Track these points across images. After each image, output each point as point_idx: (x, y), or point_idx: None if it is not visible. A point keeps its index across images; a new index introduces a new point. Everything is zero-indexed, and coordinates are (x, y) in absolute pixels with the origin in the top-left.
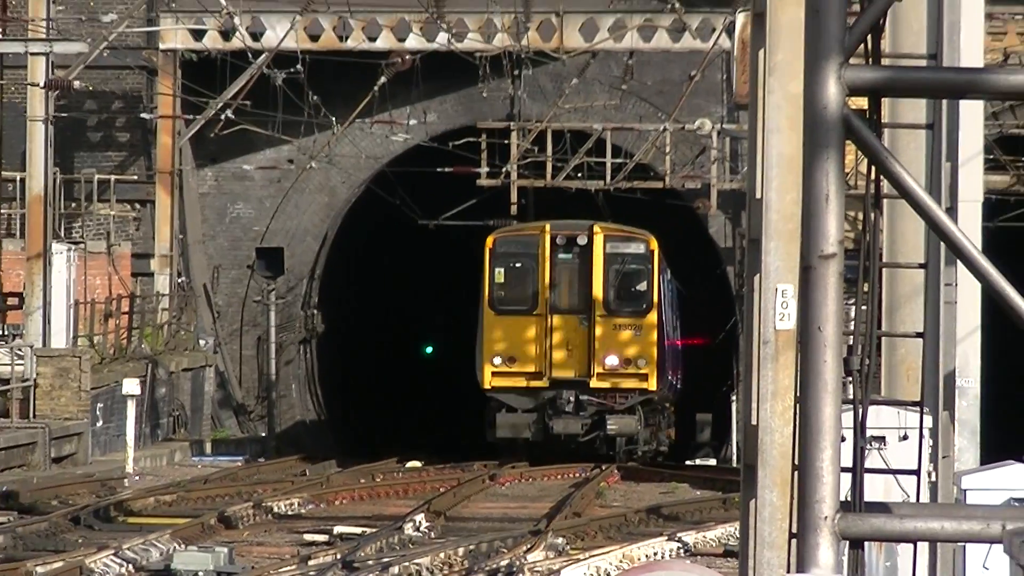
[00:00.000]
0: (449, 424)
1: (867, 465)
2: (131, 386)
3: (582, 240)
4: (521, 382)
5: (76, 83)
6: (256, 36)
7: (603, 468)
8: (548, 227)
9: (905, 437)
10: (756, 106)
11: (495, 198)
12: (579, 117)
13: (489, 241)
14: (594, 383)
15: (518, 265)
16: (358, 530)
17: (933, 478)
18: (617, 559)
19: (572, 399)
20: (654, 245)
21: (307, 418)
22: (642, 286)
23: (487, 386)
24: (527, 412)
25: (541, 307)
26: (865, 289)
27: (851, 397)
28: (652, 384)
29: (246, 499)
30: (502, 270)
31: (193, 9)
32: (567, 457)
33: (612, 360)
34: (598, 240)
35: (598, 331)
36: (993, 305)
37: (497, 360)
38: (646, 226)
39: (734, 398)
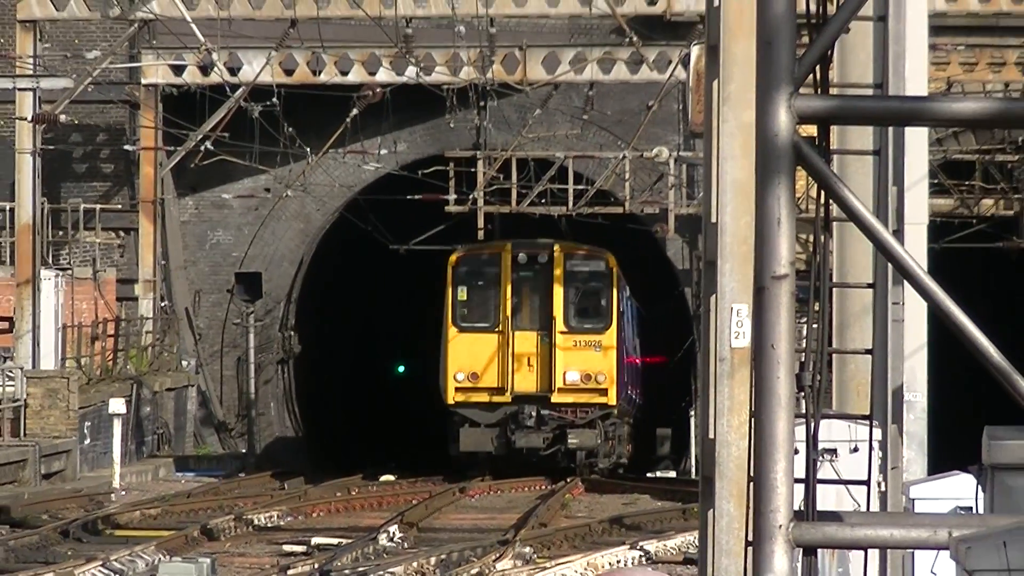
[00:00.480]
0: (419, 439)
1: (819, 476)
2: (117, 405)
3: (543, 258)
4: (484, 397)
5: (62, 117)
6: (233, 71)
7: (568, 480)
8: (509, 246)
9: (856, 449)
10: (711, 134)
11: (463, 223)
12: (542, 146)
13: (452, 259)
14: (555, 398)
15: (480, 283)
16: (335, 541)
17: (883, 488)
18: (582, 567)
19: (534, 414)
20: (613, 263)
21: (285, 434)
22: (601, 303)
23: (450, 401)
24: (490, 427)
25: (503, 324)
26: (816, 308)
27: (803, 411)
28: (612, 399)
29: (227, 512)
30: (465, 288)
31: (173, 46)
32: (528, 471)
33: (572, 376)
34: (558, 258)
35: (559, 347)
36: (939, 323)
37: (460, 376)
38: (607, 249)
39: (692, 413)
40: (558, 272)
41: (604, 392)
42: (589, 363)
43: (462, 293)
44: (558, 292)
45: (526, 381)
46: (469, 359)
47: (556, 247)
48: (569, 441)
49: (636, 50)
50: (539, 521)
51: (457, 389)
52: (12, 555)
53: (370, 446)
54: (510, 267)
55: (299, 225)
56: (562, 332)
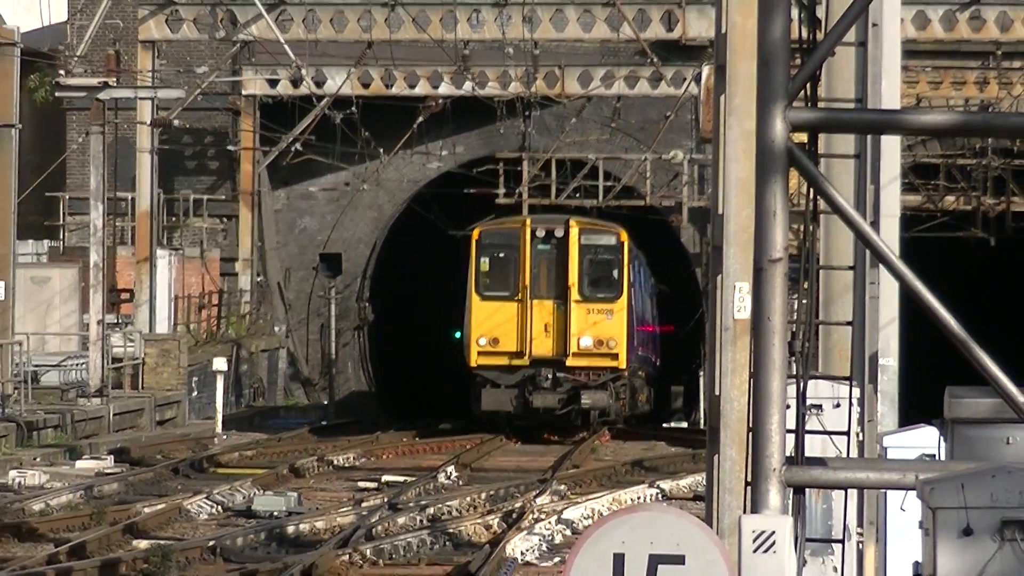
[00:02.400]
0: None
1: (807, 428)
2: (220, 364)
3: (559, 232)
4: (504, 361)
5: (175, 122)
6: (319, 84)
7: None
8: (528, 221)
9: (838, 405)
10: (718, 140)
11: (510, 214)
12: (577, 149)
13: (475, 233)
14: (570, 362)
15: (501, 255)
16: (401, 479)
17: (860, 438)
18: (608, 502)
19: (550, 376)
20: (624, 237)
21: (360, 389)
22: (613, 274)
23: (473, 364)
24: (509, 388)
25: (522, 293)
26: (805, 286)
27: (794, 373)
28: (622, 362)
29: (311, 454)
30: (487, 259)
31: (269, 63)
32: (545, 428)
33: (586, 341)
34: (573, 233)
35: (573, 315)
36: (909, 299)
37: (482, 341)
38: (631, 236)
39: (701, 373)
40: (573, 245)
41: (615, 356)
42: (601, 329)
43: (484, 264)
44: (573, 264)
45: (543, 346)
46: (490, 325)
47: (571, 222)
48: (583, 401)
49: (656, 69)
50: (572, 463)
51: (479, 353)
52: (131, 488)
53: (431, 399)
54: (529, 240)
55: (373, 214)
56: (576, 301)
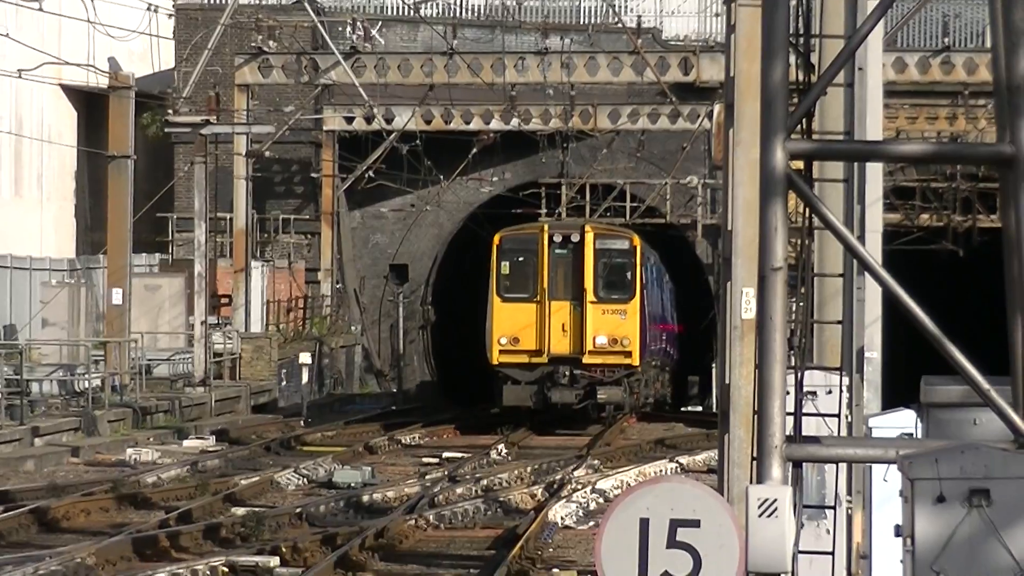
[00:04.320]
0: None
1: (804, 411)
2: (305, 358)
3: (575, 238)
4: (524, 359)
5: (266, 153)
6: (389, 121)
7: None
8: (546, 227)
9: (830, 392)
10: (728, 167)
11: None
12: (607, 175)
13: (496, 239)
14: (586, 359)
15: (521, 259)
16: (459, 455)
17: (849, 420)
18: (634, 475)
19: (567, 373)
20: (637, 242)
21: (424, 379)
22: (626, 276)
23: (495, 362)
24: (529, 384)
25: (541, 295)
26: (802, 291)
27: (793, 365)
28: (635, 360)
29: (383, 434)
30: (507, 263)
31: (346, 103)
32: (563, 422)
33: (601, 340)
34: (589, 238)
35: (589, 315)
36: (890, 302)
37: (503, 340)
38: (645, 242)
39: (714, 365)
40: (588, 250)
41: (629, 354)
42: (616, 329)
43: (505, 268)
44: (588, 267)
45: (561, 344)
46: (511, 325)
47: (587, 227)
48: (598, 396)
49: (675, 107)
50: (604, 442)
51: (501, 351)
52: (229, 464)
53: (485, 388)
54: (547, 245)
55: (434, 231)
56: (592, 302)
